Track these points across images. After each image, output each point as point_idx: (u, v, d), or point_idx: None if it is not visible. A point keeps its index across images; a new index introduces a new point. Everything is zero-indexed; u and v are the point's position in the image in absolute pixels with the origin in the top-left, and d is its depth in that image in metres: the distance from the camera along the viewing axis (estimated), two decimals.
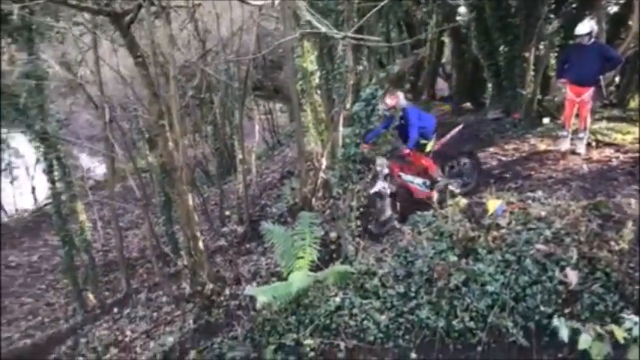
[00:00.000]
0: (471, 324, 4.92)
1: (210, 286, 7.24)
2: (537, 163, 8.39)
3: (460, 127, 8.25)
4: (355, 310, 5.48)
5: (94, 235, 12.40)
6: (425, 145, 7.76)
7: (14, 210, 20.28)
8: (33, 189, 20.27)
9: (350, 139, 6.18)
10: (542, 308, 4.81)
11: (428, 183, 7.81)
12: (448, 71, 17.82)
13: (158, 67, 8.75)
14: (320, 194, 9.17)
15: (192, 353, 6.30)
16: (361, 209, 6.78)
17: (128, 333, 7.98)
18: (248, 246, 9.57)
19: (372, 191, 7.56)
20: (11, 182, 19.95)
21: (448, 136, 8.03)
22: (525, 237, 5.37)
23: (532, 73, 10.49)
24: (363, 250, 6.52)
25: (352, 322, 5.39)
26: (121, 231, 11.05)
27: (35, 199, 20.45)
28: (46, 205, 19.06)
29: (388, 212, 7.55)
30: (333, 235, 7.58)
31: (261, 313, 6.23)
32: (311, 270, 6.32)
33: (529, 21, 10.35)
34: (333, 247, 7.43)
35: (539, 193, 6.42)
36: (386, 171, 7.56)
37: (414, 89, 15.01)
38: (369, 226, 7.40)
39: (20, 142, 19.57)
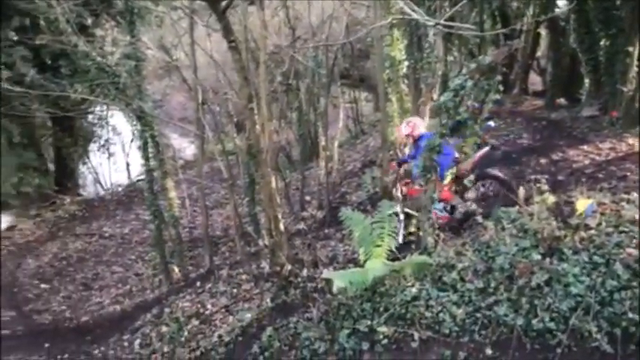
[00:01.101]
0: (552, 325, 4.75)
1: (289, 267, 7.43)
2: (634, 164, 7.92)
3: (487, 148, 7.59)
4: (431, 302, 5.44)
5: (182, 212, 12.96)
6: (445, 176, 7.32)
7: (110, 184, 21.59)
8: (127, 165, 21.49)
9: (435, 129, 6.10)
10: (630, 315, 4.57)
11: (448, 207, 7.38)
12: (542, 65, 17.12)
13: (249, 52, 9.03)
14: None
15: (269, 330, 6.51)
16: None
17: (209, 306, 8.34)
18: (327, 231, 9.71)
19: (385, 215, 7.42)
20: (108, 158, 21.26)
21: (476, 158, 7.44)
22: (616, 240, 5.11)
23: (635, 69, 9.88)
24: (443, 243, 6.44)
25: (428, 314, 5.35)
26: (207, 209, 11.51)
27: (129, 175, 21.67)
28: (138, 181, 20.16)
29: (401, 237, 7.32)
30: (413, 225, 7.54)
31: (337, 298, 6.33)
32: (388, 259, 6.34)
33: (635, 13, 9.73)
34: (412, 238, 7.40)
35: (635, 195, 6.08)
36: (401, 196, 7.38)
37: (505, 82, 14.50)
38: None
39: (118, 120, 20.82)
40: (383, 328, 5.51)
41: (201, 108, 10.21)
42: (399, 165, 7.74)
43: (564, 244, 5.29)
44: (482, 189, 7.59)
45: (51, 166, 20.41)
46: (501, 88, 6.12)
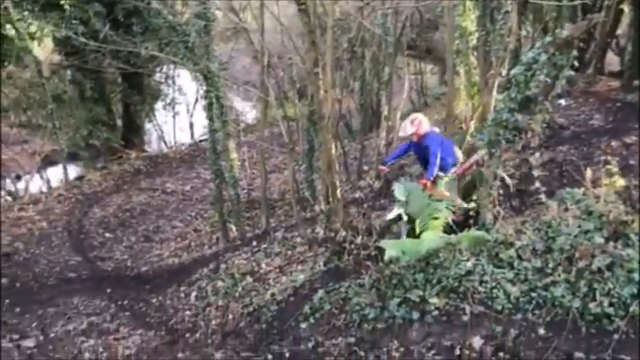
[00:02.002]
0: (610, 310, 4.63)
1: (343, 233, 7.50)
2: None
3: (479, 156, 7.17)
4: (486, 278, 5.38)
5: (241, 173, 13.23)
6: (442, 178, 7.09)
7: (173, 142, 22.22)
8: (191, 125, 22.03)
9: (504, 103, 5.94)
10: None
11: (451, 206, 7.08)
12: (622, 44, 16.21)
13: (317, 17, 8.98)
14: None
15: (320, 292, 6.63)
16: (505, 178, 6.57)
17: (263, 266, 8.55)
18: (382, 201, 9.70)
19: (387, 218, 7.31)
20: (173, 117, 21.83)
21: (467, 164, 7.27)
22: None
23: None
24: (502, 220, 6.33)
25: (481, 289, 5.31)
26: (266, 172, 11.70)
27: (192, 135, 22.23)
28: (201, 141, 20.68)
29: (404, 238, 7.08)
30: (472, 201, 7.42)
31: (389, 266, 6.35)
32: (445, 232, 6.29)
33: None
34: (470, 213, 7.29)
35: None
36: (403, 197, 7.09)
37: (580, 60, 13.84)
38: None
39: (184, 80, 21.28)
40: (434, 300, 5.52)
41: (266, 71, 10.28)
42: (388, 165, 7.48)
43: (631, 230, 5.10)
44: None
45: (119, 122, 21.17)
46: (576, 64, 5.87)
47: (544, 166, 7.76)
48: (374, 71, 13.77)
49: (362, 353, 5.57)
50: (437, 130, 7.25)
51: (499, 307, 5.08)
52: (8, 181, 17.12)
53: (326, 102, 7.40)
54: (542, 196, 6.37)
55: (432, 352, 5.16)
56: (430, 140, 6.91)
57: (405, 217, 7.06)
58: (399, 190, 7.01)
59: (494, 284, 5.28)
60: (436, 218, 6.34)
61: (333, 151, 7.45)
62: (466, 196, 7.16)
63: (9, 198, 16.40)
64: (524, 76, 5.73)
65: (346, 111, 16.24)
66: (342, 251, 7.38)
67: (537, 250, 5.46)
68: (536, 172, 7.09)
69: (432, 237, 6.08)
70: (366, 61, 13.67)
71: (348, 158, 12.98)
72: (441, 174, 7.03)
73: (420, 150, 7.13)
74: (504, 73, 8.36)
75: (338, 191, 7.57)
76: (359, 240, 7.57)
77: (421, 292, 5.68)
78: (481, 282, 5.38)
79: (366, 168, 12.09)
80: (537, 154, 7.01)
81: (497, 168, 6.26)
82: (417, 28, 18.06)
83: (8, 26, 15.62)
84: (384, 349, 5.49)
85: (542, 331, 4.78)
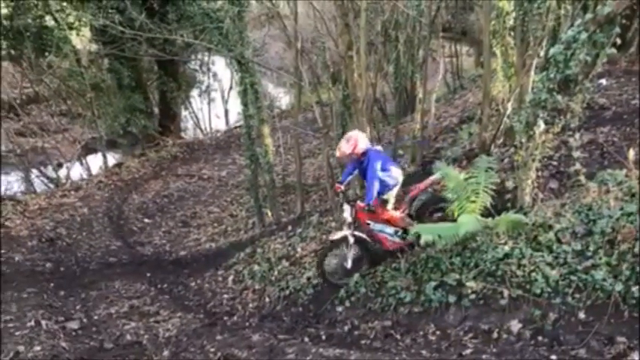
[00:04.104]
0: None
1: None
2: None
3: (438, 175, 6.82)
4: (524, 261, 5.33)
5: (276, 159, 13.31)
6: (386, 200, 6.85)
7: (209, 129, 22.47)
8: (226, 112, 22.23)
9: (542, 84, 5.80)
10: None
11: (400, 232, 6.80)
12: None
13: (350, 0, 8.91)
14: (500, 141, 8.83)
15: (356, 276, 6.67)
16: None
17: (299, 250, 8.62)
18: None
19: (332, 238, 6.83)
20: (208, 104, 22.06)
21: (422, 185, 6.96)
22: None
23: None
24: (541, 203, 6.23)
25: (519, 272, 5.25)
26: (300, 157, 11.75)
27: (227, 121, 22.44)
28: (236, 127, 20.88)
29: (350, 262, 6.81)
30: (509, 183, 7.31)
31: (425, 250, 6.35)
32: (482, 215, 6.22)
33: None
34: (508, 196, 7.19)
35: None
36: (349, 219, 6.67)
37: (623, 38, 13.41)
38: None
39: (219, 67, 21.45)
40: (471, 283, 5.50)
41: (300, 56, 10.28)
42: (340, 184, 7.04)
43: None
44: (435, 214, 6.97)
45: (155, 110, 21.53)
46: (618, 42, 5.68)
47: (584, 147, 7.58)
48: (408, 54, 13.62)
49: (398, 336, 5.60)
50: (378, 147, 6.91)
51: (538, 291, 5.02)
52: (50, 168, 17.61)
53: (360, 85, 7.38)
54: (582, 178, 6.23)
55: (469, 335, 5.15)
56: (369, 159, 6.52)
57: (352, 240, 6.72)
58: (438, 171, 6.84)
59: (532, 268, 5.23)
60: (473, 201, 6.26)
61: (368, 133, 7.41)
62: (417, 219, 6.88)
63: (52, 185, 16.88)
64: (563, 56, 5.58)
65: (380, 95, 16.14)
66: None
67: (577, 233, 5.38)
68: (575, 154, 6.92)
69: (469, 220, 6.01)
70: (400, 44, 13.52)
71: (383, 142, 12.92)
72: (385, 196, 6.80)
73: (361, 169, 6.77)
74: (542, 53, 8.15)
75: None
76: None
77: (458, 276, 5.67)
78: (519, 265, 5.33)
79: (400, 152, 12.01)
80: (577, 136, 6.80)
81: (535, 150, 6.14)
82: (452, 9, 17.76)
83: (48, 17, 16.00)
84: (421, 333, 5.51)
85: (582, 315, 4.71)
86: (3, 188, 16.36)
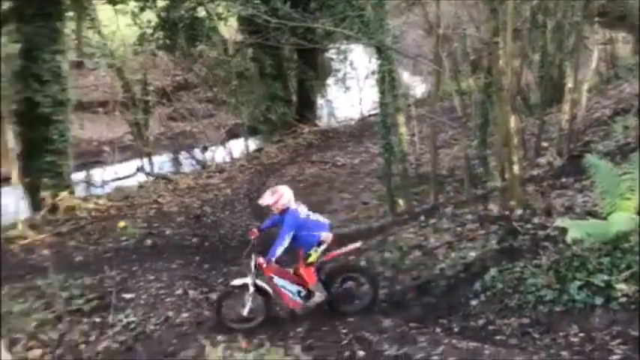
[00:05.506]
0: None
1: (519, 211, 7.21)
2: None
3: (358, 244, 7.07)
4: None
5: (410, 148, 13.20)
6: (309, 255, 6.56)
7: (343, 117, 22.83)
8: (361, 100, 22.43)
9: None
10: None
11: (303, 293, 6.62)
12: None
13: None
14: None
15: (493, 271, 6.46)
16: None
17: (432, 240, 8.49)
18: (564, 180, 9.07)
19: (232, 283, 6.73)
20: (345, 92, 22.40)
21: (341, 251, 6.92)
22: None
23: None
24: None
25: None
26: (436, 147, 11.55)
27: (361, 110, 22.64)
28: (370, 116, 21.00)
29: (247, 310, 6.56)
30: None
31: (571, 248, 6.00)
32: (637, 214, 5.75)
33: None
34: None
35: None
36: (253, 268, 6.48)
37: None
38: None
39: (356, 55, 21.66)
40: (622, 286, 5.13)
41: (440, 43, 10.09)
42: (260, 232, 6.93)
43: None
44: (346, 284, 6.83)
45: (294, 97, 22.26)
46: None
47: None
48: (556, 41, 12.83)
49: (536, 335, 5.35)
50: (302, 208, 6.80)
51: None
52: (197, 151, 18.99)
53: (505, 72, 7.10)
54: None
55: (617, 340, 4.80)
56: (286, 218, 6.53)
57: (252, 289, 6.57)
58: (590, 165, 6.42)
59: None
60: (628, 199, 5.79)
61: (512, 124, 7.12)
62: (325, 286, 6.68)
63: (198, 166, 18.20)
64: None
65: (524, 84, 15.37)
66: (516, 230, 7.10)
67: None
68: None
69: (621, 219, 5.59)
70: (547, 31, 12.77)
71: (525, 134, 12.31)
72: (308, 252, 6.62)
73: (279, 225, 6.72)
74: None
75: (515, 167, 7.25)
76: (536, 220, 7.22)
77: (606, 277, 5.31)
78: None
79: (545, 144, 11.38)
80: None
81: None
82: None
83: (200, 8, 17.17)
84: (561, 333, 5.23)
85: None
86: (156, 167, 17.98)
